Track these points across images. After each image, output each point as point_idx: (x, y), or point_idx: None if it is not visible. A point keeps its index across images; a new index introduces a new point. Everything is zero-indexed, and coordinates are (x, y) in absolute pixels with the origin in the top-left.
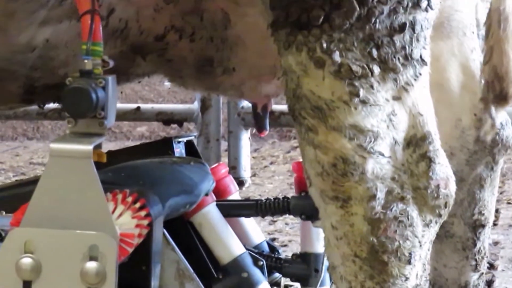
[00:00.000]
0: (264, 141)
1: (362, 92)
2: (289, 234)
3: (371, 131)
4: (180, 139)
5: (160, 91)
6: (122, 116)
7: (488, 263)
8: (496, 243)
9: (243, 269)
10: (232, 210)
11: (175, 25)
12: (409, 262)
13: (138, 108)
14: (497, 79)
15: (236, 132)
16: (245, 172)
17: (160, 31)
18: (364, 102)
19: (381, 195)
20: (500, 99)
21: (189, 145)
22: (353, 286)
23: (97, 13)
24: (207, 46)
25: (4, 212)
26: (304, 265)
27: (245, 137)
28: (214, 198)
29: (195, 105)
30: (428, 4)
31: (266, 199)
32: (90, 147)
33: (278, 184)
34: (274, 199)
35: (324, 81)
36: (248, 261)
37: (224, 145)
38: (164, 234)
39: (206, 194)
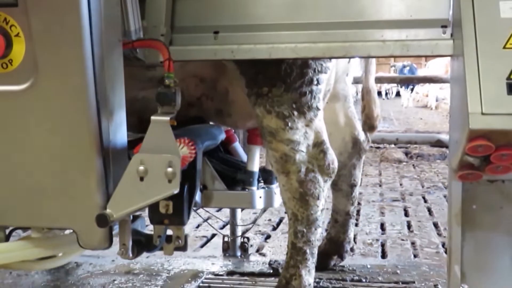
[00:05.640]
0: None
1: (289, 124)
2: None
3: (297, 141)
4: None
5: None
6: None
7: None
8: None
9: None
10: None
11: (205, 93)
12: (318, 198)
13: None
14: (368, 119)
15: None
16: None
17: (198, 95)
18: (291, 128)
19: (303, 170)
20: (370, 129)
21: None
22: (294, 211)
23: (171, 60)
24: (219, 104)
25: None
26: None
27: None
28: (237, 139)
29: None
30: (318, 82)
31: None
32: (167, 118)
33: None
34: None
35: (272, 120)
36: (255, 176)
37: None
38: (205, 159)
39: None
